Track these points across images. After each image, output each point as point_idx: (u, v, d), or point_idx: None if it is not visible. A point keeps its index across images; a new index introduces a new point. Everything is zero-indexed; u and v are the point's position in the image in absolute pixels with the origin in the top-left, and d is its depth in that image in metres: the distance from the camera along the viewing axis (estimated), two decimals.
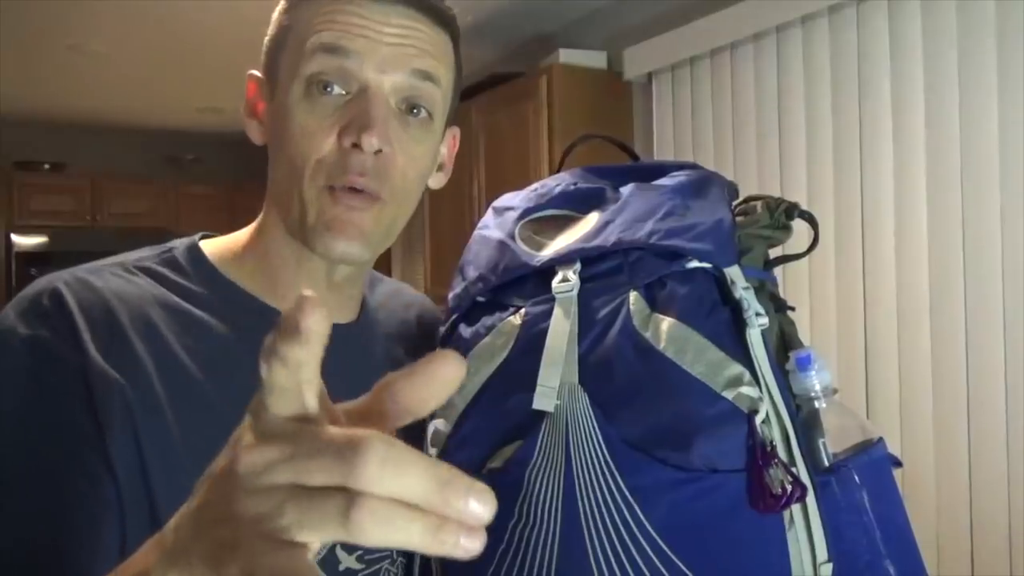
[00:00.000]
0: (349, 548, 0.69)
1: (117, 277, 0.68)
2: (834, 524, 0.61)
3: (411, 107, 0.70)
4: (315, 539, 0.32)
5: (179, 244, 0.75)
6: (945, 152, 2.05)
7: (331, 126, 0.67)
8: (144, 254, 0.73)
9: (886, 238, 2.18)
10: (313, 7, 0.69)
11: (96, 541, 0.58)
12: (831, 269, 2.30)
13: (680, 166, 0.77)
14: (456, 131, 0.81)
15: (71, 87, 4.36)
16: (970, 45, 2.00)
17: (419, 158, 0.72)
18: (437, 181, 0.80)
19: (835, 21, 2.32)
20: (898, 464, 0.69)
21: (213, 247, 0.75)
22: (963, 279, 2.02)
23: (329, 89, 0.67)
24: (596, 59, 3.16)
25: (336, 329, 0.71)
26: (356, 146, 0.66)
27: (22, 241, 5.08)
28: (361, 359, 0.75)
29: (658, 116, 2.93)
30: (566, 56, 3.10)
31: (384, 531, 0.31)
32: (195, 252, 0.74)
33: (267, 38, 0.75)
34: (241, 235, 0.77)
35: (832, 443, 0.65)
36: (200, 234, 0.77)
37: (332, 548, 0.68)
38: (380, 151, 0.67)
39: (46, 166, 5.24)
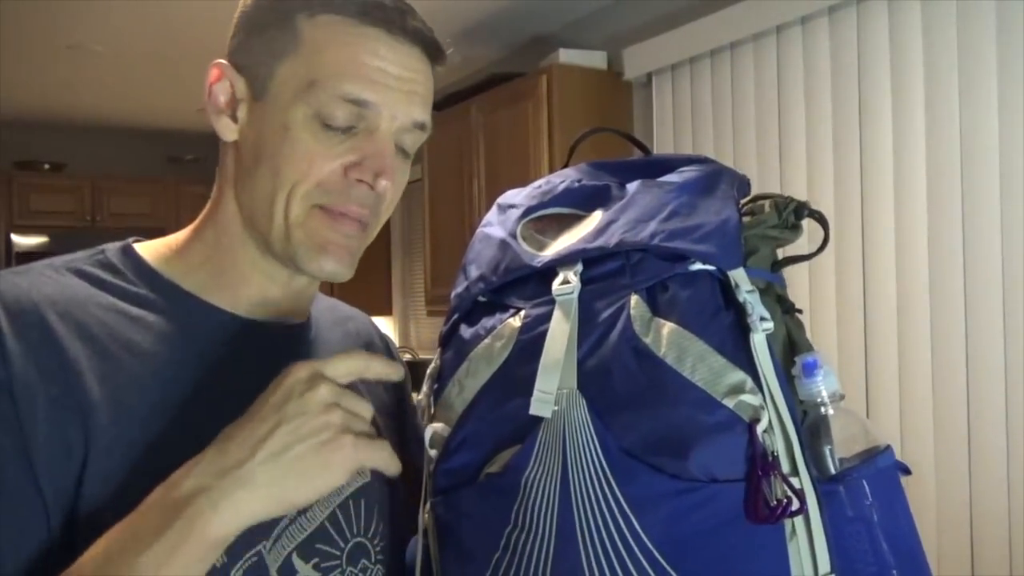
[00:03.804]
0: (305, 556, 0.69)
1: (45, 278, 0.68)
2: (839, 534, 0.60)
3: (402, 147, 0.74)
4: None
5: (110, 247, 0.75)
6: (945, 152, 2.05)
7: (336, 155, 0.70)
8: (75, 256, 0.73)
9: (886, 238, 2.18)
10: (330, 33, 0.69)
11: (19, 555, 0.59)
12: (831, 269, 2.30)
13: (690, 160, 0.75)
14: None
15: (71, 87, 4.36)
16: (970, 45, 2.00)
17: (401, 188, 0.76)
18: None
19: (835, 21, 2.32)
20: (906, 472, 0.67)
21: (147, 248, 0.75)
22: (963, 279, 2.02)
23: (339, 127, 0.69)
24: (596, 59, 3.16)
25: (291, 328, 0.80)
26: (362, 182, 0.70)
27: (22, 241, 5.07)
28: (312, 356, 0.76)
29: (658, 116, 2.93)
30: (566, 56, 3.10)
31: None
32: (129, 252, 0.74)
33: (250, 25, 0.73)
34: (178, 236, 0.77)
35: (838, 450, 0.63)
36: (132, 238, 0.77)
37: (288, 557, 0.68)
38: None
39: (46, 166, 5.23)
